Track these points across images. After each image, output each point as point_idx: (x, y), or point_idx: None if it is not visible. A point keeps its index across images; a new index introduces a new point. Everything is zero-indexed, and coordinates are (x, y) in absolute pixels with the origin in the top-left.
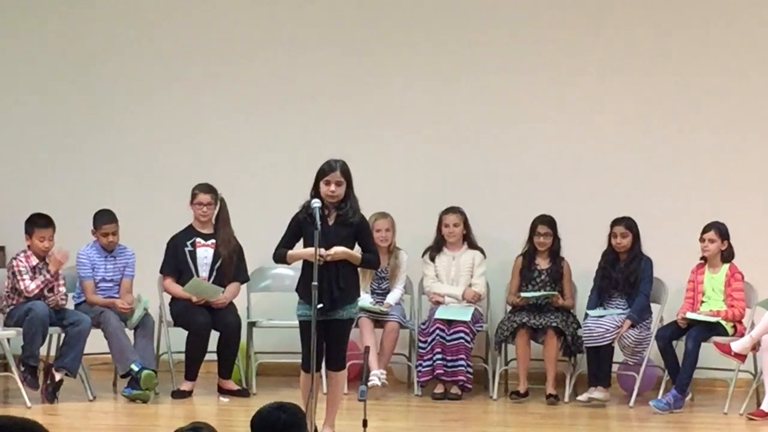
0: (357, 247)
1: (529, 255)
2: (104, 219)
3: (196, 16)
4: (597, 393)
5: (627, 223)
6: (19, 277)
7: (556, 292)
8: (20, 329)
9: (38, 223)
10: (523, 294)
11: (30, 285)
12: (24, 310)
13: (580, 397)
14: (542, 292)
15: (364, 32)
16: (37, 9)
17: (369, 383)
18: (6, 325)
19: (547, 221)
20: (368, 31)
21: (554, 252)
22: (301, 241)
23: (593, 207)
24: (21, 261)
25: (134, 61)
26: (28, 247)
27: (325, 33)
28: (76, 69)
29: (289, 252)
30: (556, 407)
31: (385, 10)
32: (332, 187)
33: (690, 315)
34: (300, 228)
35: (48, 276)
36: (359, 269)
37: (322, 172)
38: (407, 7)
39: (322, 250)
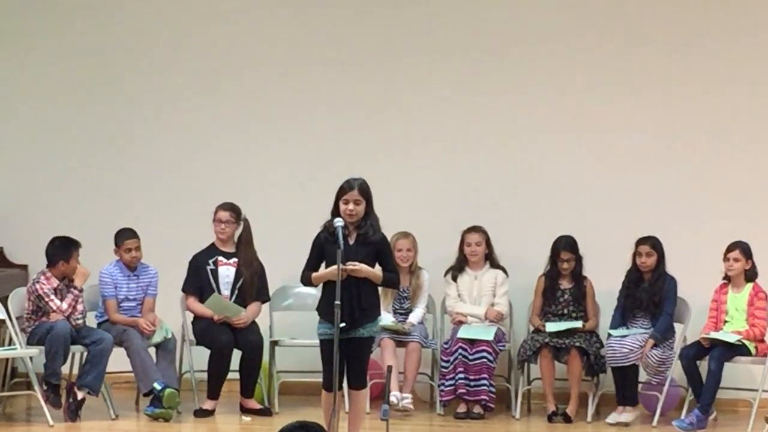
0: (378, 267)
1: (551, 275)
2: (126, 235)
3: (220, 35)
4: (625, 414)
5: (652, 243)
6: (47, 299)
7: (580, 323)
8: (43, 347)
9: (75, 244)
10: (548, 328)
11: (63, 305)
12: (46, 328)
13: (608, 419)
14: (566, 324)
15: (384, 50)
16: (59, 33)
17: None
18: (29, 343)
19: (570, 246)
20: (387, 49)
21: (576, 272)
22: (324, 262)
23: (616, 226)
24: (44, 284)
25: (156, 79)
26: (56, 267)
27: (343, 49)
28: (97, 89)
29: (314, 274)
30: (579, 427)
31: (406, 29)
32: (350, 206)
33: (712, 335)
34: (322, 248)
35: (76, 292)
36: (380, 288)
37: (341, 191)
38: (427, 23)
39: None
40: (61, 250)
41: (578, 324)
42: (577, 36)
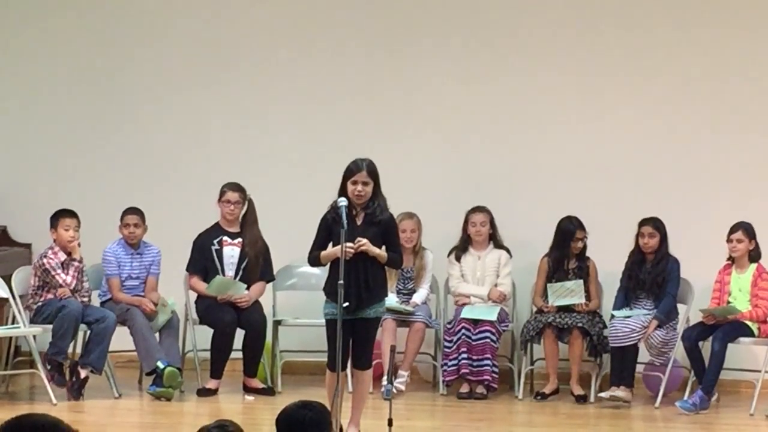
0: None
1: (558, 256)
2: (128, 211)
3: (220, 16)
4: (619, 392)
5: (655, 224)
6: (54, 273)
7: (581, 281)
8: (47, 326)
9: (63, 213)
10: (550, 289)
11: (67, 278)
12: (57, 307)
13: (601, 394)
14: (572, 282)
15: (389, 31)
16: (62, 10)
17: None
18: (34, 321)
19: (582, 225)
20: (393, 31)
21: (581, 252)
22: (332, 242)
23: (619, 207)
24: (51, 258)
25: (159, 60)
26: (54, 241)
27: (350, 32)
28: (103, 69)
29: (322, 253)
30: (582, 407)
31: (409, 10)
32: (359, 187)
33: (707, 309)
34: (329, 229)
35: (76, 263)
36: (386, 270)
37: (349, 172)
38: (432, 6)
39: (350, 244)
40: (51, 219)
41: (580, 281)
42: (582, 20)
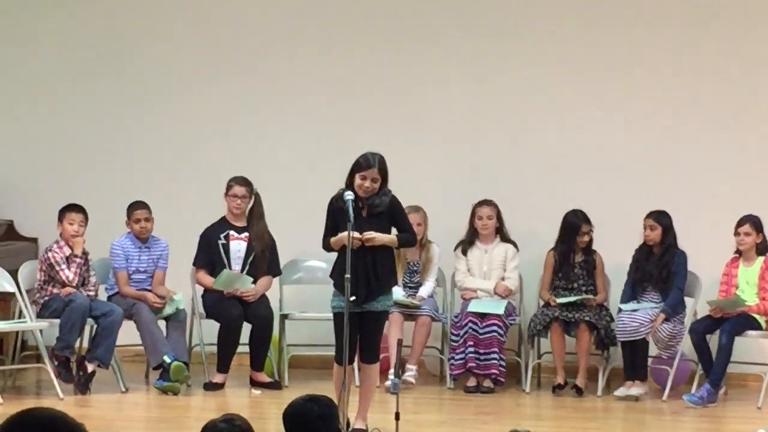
0: (393, 231)
1: (565, 250)
2: (136, 206)
3: (228, 11)
4: (634, 389)
5: (655, 216)
6: (58, 268)
7: (590, 296)
8: (54, 320)
9: (69, 208)
10: (558, 300)
11: (69, 274)
12: (65, 301)
13: (616, 392)
14: (576, 297)
15: (396, 27)
16: (68, 3)
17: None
18: (41, 316)
19: (587, 219)
20: (400, 26)
21: (587, 245)
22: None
23: (626, 201)
24: (56, 252)
25: (168, 55)
26: (60, 235)
27: (357, 27)
28: (110, 63)
29: (331, 239)
30: (589, 400)
31: (417, 8)
32: (367, 183)
33: (714, 301)
34: (336, 215)
35: (77, 260)
36: (395, 258)
37: (359, 166)
38: (439, 4)
39: (357, 234)
40: (59, 213)
41: (588, 296)
42: (590, 16)
